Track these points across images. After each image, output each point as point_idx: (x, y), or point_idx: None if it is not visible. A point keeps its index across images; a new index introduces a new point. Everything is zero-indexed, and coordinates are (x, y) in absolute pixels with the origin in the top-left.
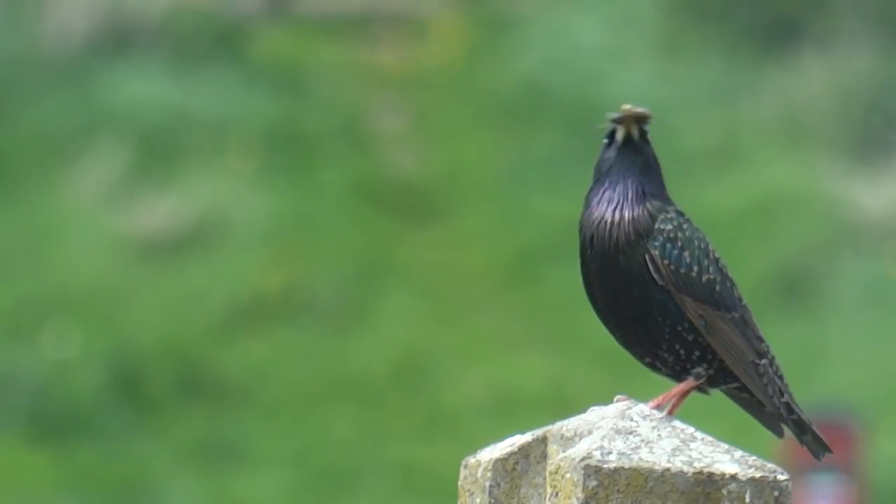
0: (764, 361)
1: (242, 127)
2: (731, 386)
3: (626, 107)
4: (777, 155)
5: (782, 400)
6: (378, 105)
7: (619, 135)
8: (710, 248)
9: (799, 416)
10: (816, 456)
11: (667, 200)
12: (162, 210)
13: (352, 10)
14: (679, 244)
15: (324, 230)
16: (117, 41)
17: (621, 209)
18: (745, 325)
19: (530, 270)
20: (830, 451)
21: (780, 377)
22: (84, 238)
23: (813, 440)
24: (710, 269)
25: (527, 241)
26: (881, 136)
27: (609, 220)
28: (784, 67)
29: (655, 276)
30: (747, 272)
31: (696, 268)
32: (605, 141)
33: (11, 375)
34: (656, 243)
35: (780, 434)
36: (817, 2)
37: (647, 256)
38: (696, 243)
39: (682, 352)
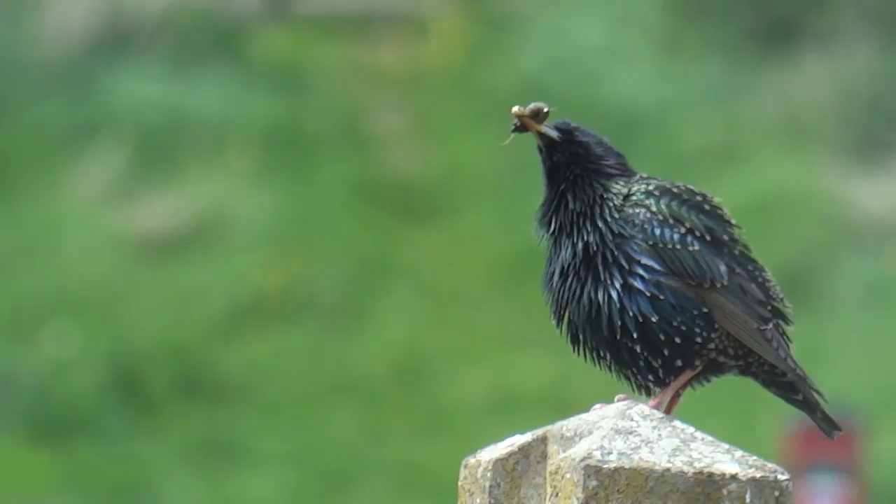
0: (770, 326)
1: (242, 127)
2: (735, 372)
3: (515, 109)
4: (777, 155)
5: (796, 372)
6: (378, 105)
7: (539, 143)
8: (696, 198)
9: (811, 388)
10: (829, 435)
11: (627, 178)
12: (161, 209)
13: (352, 9)
14: (660, 218)
15: (324, 229)
16: (117, 41)
17: (570, 227)
18: (743, 293)
19: (530, 270)
20: (840, 430)
21: (787, 343)
22: (84, 238)
23: (822, 419)
24: (695, 242)
25: (527, 241)
26: (881, 136)
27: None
28: (784, 67)
29: (650, 262)
30: None
31: (683, 229)
32: (540, 149)
33: (11, 375)
34: (640, 235)
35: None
36: (817, 2)
37: (636, 248)
38: (675, 207)
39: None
